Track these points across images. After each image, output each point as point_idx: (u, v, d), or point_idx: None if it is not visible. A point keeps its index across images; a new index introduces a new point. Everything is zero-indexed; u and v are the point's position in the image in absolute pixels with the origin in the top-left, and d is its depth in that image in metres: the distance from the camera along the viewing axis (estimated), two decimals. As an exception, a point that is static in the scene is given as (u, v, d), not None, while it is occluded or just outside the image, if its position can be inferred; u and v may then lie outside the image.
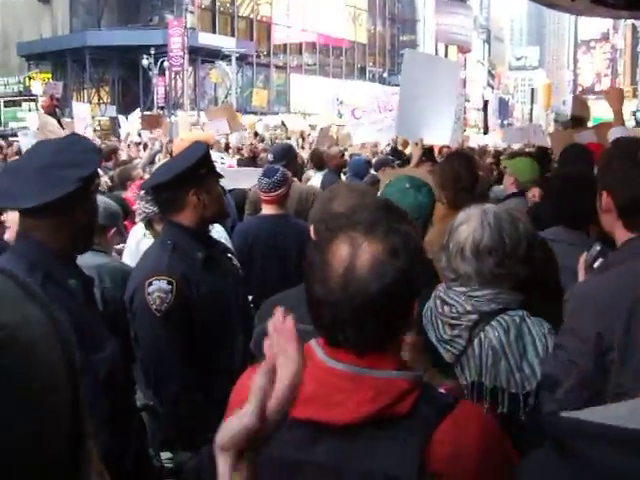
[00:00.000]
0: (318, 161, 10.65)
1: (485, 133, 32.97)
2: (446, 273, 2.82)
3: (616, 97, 5.95)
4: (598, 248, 2.92)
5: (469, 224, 2.77)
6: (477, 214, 2.79)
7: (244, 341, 3.41)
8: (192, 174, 3.50)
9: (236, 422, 1.21)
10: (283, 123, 31.66)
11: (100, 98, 57.66)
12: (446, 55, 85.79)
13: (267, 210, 5.86)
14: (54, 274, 2.55)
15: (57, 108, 14.33)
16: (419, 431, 1.64)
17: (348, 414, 1.64)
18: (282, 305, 2.69)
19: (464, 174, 5.02)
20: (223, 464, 1.21)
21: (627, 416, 1.21)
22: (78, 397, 0.83)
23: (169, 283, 3.35)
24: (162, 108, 47.69)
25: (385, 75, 77.09)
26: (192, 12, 54.20)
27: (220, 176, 3.85)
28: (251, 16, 62.72)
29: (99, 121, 45.40)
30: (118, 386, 2.62)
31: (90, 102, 54.11)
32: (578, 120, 10.66)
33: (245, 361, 3.33)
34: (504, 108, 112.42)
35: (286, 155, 7.94)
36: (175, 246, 3.51)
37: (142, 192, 4.81)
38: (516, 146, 17.56)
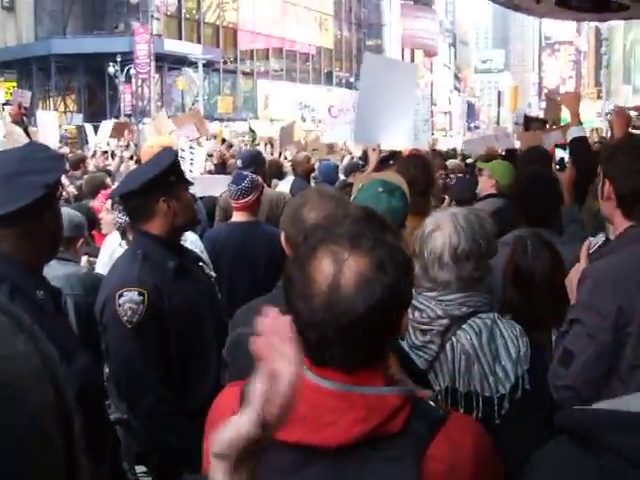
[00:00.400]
0: (277, 170, 10.53)
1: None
2: (422, 283, 2.79)
3: (572, 100, 6.33)
4: (603, 238, 3.07)
5: (442, 230, 2.75)
6: (448, 218, 2.77)
7: (218, 351, 3.31)
8: (161, 181, 3.44)
9: (235, 430, 1.18)
10: (251, 129, 31.56)
11: (66, 106, 57.13)
12: (412, 59, 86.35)
13: (237, 217, 5.84)
14: (22, 286, 2.49)
15: (24, 117, 14.17)
16: (413, 449, 1.59)
17: (340, 435, 1.58)
18: (252, 311, 2.69)
19: (420, 178, 4.97)
20: (220, 473, 1.19)
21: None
22: (72, 434, 0.80)
23: (140, 294, 3.28)
24: (129, 116, 47.40)
25: (352, 80, 76.91)
26: (158, 19, 53.88)
27: (190, 183, 3.80)
28: (217, 22, 62.48)
29: (65, 129, 45.07)
30: (91, 400, 2.56)
31: (56, 110, 53.70)
32: (537, 121, 10.85)
33: (219, 371, 3.30)
34: (471, 111, 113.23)
35: (255, 161, 7.95)
36: (145, 256, 3.44)
37: (110, 201, 4.77)
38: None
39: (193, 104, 52.13)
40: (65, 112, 54.78)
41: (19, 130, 11.71)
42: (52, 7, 56.35)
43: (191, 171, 9.25)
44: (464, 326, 2.68)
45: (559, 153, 7.19)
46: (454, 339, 2.68)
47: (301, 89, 64.29)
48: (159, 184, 3.44)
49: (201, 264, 3.92)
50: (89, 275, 4.53)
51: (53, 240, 2.68)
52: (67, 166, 10.57)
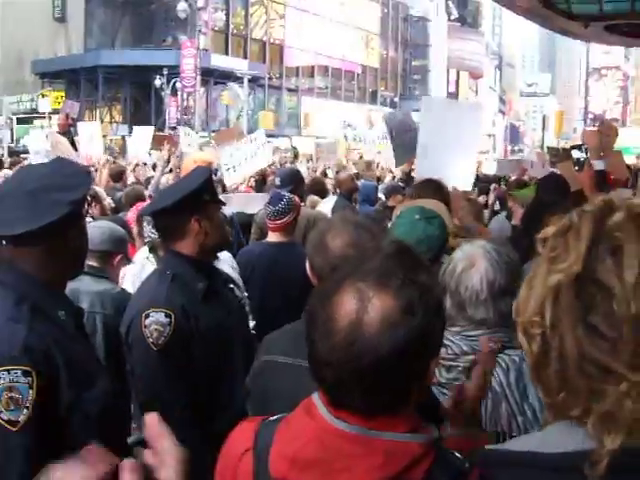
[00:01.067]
0: (320, 188, 10.39)
1: None
2: (456, 322, 2.69)
3: (592, 136, 6.21)
4: None
5: (477, 266, 2.67)
6: (480, 253, 2.70)
7: (245, 376, 3.24)
8: (194, 200, 3.38)
9: None
10: (292, 146, 31.60)
11: (112, 117, 57.77)
12: (457, 80, 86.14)
13: (272, 237, 5.78)
14: (43, 306, 2.41)
15: (71, 127, 14.31)
16: None
17: None
18: (281, 341, 2.62)
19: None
20: None
21: (538, 444, 1.31)
22: None
23: (167, 315, 3.22)
24: (174, 128, 47.71)
25: (396, 99, 77.07)
26: (205, 33, 54.30)
27: (222, 203, 3.75)
28: (264, 38, 62.85)
29: (111, 140, 45.51)
30: (110, 424, 2.48)
31: (102, 121, 54.30)
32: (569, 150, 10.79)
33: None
34: (515, 134, 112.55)
35: (293, 180, 7.87)
36: (174, 276, 3.38)
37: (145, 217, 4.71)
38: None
39: (237, 119, 52.36)
40: (111, 123, 55.41)
41: (65, 141, 11.81)
42: (102, 19, 57.16)
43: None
44: None
45: (575, 154, 7.16)
46: (480, 377, 2.59)
47: (345, 107, 64.30)
48: (191, 203, 3.38)
49: (231, 286, 3.87)
50: (122, 294, 4.45)
51: (76, 258, 2.62)
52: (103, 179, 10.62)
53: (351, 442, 1.51)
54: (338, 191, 10.24)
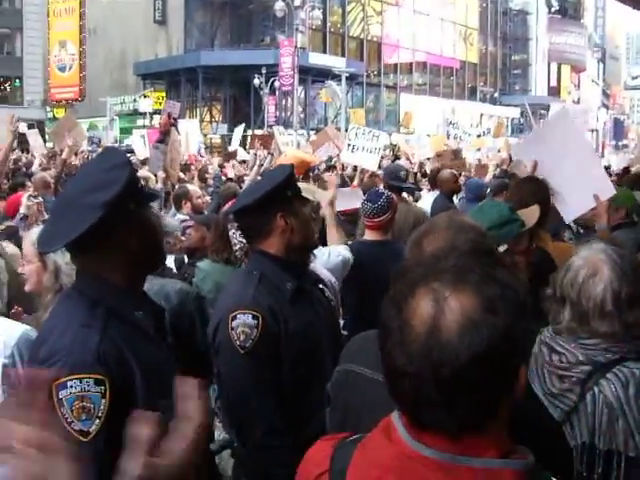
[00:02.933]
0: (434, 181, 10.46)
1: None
2: (578, 333, 2.46)
3: None
4: None
5: (601, 274, 2.44)
6: (603, 259, 2.47)
7: None
8: (277, 196, 3.26)
9: None
10: (392, 143, 31.29)
11: (212, 116, 58.74)
12: (559, 74, 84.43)
13: (370, 235, 5.67)
14: (118, 308, 2.31)
15: (174, 127, 14.57)
16: None
17: None
18: (365, 350, 2.33)
19: (533, 201, 4.50)
20: None
21: None
22: None
23: (254, 317, 3.09)
24: (272, 127, 48.15)
25: (496, 95, 76.13)
26: (302, 32, 54.61)
27: (307, 200, 3.61)
28: (361, 36, 63.01)
29: (211, 139, 46.12)
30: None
31: (202, 120, 55.21)
32: None
33: None
34: (619, 129, 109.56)
35: (396, 176, 7.75)
36: (262, 276, 3.25)
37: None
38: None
39: (336, 117, 52.45)
40: (211, 122, 56.33)
41: (179, 140, 12.00)
42: (201, 21, 58.12)
43: None
44: (608, 375, 2.36)
45: None
46: (596, 389, 2.36)
47: (444, 103, 63.82)
48: (275, 198, 3.26)
49: (321, 286, 3.65)
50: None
51: (142, 257, 2.39)
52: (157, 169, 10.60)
53: (436, 470, 1.35)
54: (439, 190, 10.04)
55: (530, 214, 3.65)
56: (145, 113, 51.34)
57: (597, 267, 2.46)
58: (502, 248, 2.95)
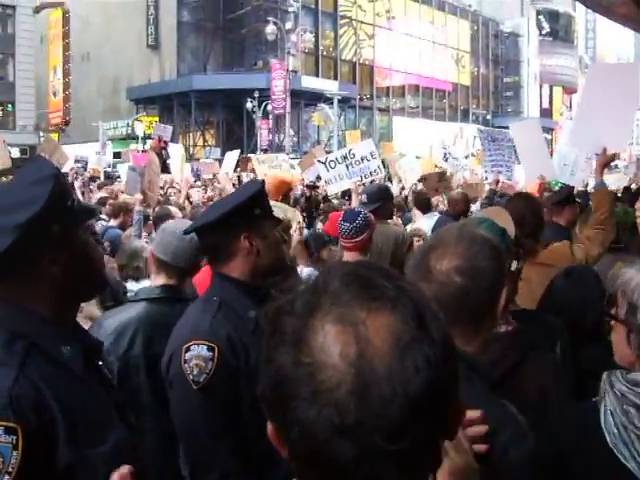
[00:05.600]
0: (425, 203, 10.27)
1: None
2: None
3: None
4: None
5: None
6: None
7: None
8: (243, 214, 2.97)
9: None
10: (384, 163, 31.23)
11: (205, 140, 58.64)
12: (551, 96, 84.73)
13: (348, 257, 5.38)
14: (40, 343, 1.97)
15: (164, 150, 14.49)
16: None
17: None
18: None
19: (529, 218, 4.66)
20: None
21: None
22: None
23: (210, 349, 2.78)
24: (265, 151, 48.04)
25: (489, 117, 76.29)
26: (294, 55, 54.69)
27: (278, 220, 3.28)
28: (354, 59, 63.15)
29: (204, 160, 46.00)
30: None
31: (195, 145, 55.19)
32: None
33: None
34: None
35: (382, 196, 7.49)
36: (222, 303, 2.94)
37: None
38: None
39: (329, 140, 52.41)
40: (204, 146, 56.23)
41: (157, 162, 11.87)
42: (194, 45, 58.22)
43: None
44: None
45: None
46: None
47: (437, 126, 63.94)
48: (240, 217, 2.97)
49: None
50: None
51: (69, 283, 2.06)
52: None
53: None
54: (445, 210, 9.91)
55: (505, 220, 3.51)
56: (138, 137, 51.29)
57: None
58: (515, 265, 2.64)
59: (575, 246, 5.05)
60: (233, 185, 13.69)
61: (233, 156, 21.65)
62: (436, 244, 2.09)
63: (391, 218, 8.02)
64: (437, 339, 1.02)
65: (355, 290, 1.04)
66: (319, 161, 10.95)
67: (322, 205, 12.24)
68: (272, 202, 3.59)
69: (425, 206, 10.19)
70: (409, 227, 9.20)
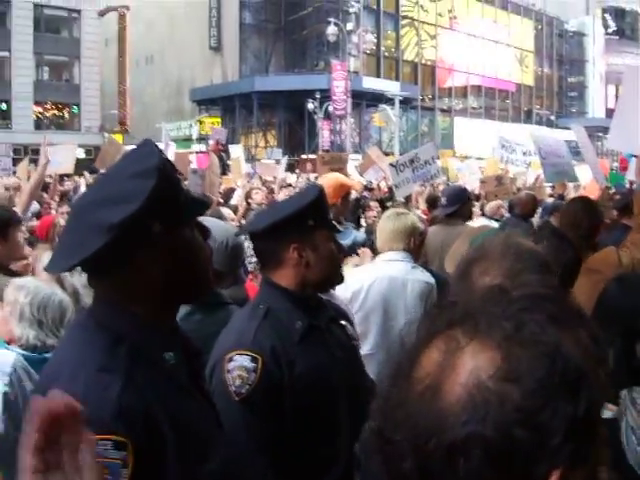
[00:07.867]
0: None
1: None
2: None
3: None
4: None
5: None
6: None
7: (352, 436, 2.56)
8: (294, 224, 2.81)
9: None
10: (445, 167, 30.97)
11: (267, 141, 58.92)
12: (616, 96, 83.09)
13: None
14: (144, 347, 1.80)
15: (222, 152, 14.63)
16: None
17: None
18: None
19: (585, 221, 4.80)
20: None
21: None
22: None
23: (253, 360, 2.65)
24: (327, 151, 48.18)
25: (552, 118, 75.22)
26: (356, 56, 54.67)
27: (336, 230, 3.08)
28: (415, 60, 62.89)
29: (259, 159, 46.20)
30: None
31: (257, 145, 55.51)
32: None
33: (350, 463, 2.61)
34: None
35: (461, 198, 7.58)
36: (268, 312, 2.80)
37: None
38: None
39: (390, 141, 52.24)
40: (265, 147, 56.50)
41: (217, 163, 11.98)
42: (256, 46, 58.59)
43: None
44: None
45: None
46: None
47: (500, 127, 63.34)
48: (291, 227, 2.81)
49: (343, 322, 3.16)
50: None
51: (170, 285, 1.85)
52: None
53: None
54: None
55: None
56: (199, 139, 51.77)
57: None
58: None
59: (621, 251, 4.93)
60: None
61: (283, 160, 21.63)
62: (480, 257, 1.99)
63: (471, 219, 7.99)
64: (520, 401, 0.89)
65: (485, 316, 0.96)
66: (391, 165, 10.89)
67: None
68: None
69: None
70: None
